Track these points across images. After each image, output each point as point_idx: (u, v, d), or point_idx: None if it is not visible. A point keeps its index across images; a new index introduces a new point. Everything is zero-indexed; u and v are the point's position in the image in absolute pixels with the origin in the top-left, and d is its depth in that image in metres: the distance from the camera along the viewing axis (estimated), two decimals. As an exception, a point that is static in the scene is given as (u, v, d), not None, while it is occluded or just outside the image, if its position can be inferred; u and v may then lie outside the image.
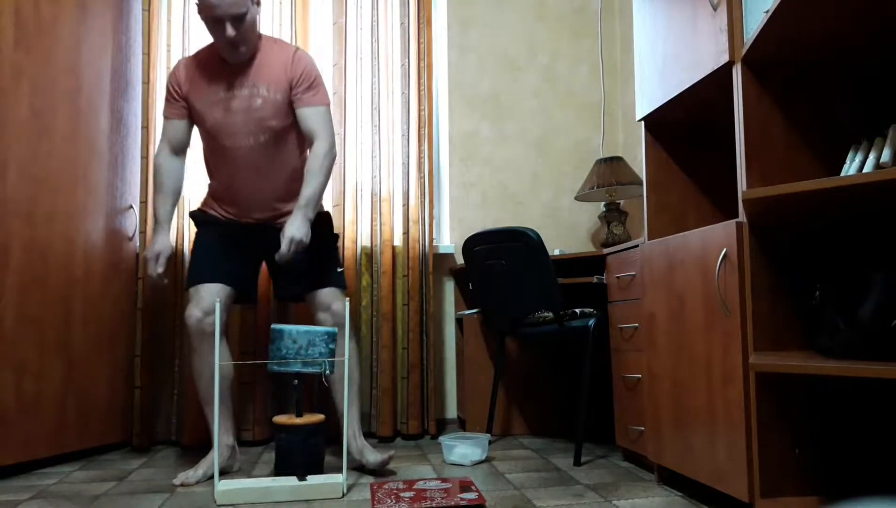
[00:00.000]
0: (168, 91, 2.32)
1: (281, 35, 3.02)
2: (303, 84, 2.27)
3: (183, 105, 2.31)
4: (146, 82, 2.92)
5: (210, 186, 2.42)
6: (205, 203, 2.44)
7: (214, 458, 2.06)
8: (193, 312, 2.22)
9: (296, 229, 2.15)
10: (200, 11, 2.14)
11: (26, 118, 2.45)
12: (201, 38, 3.08)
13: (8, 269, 2.36)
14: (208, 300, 2.24)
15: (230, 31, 2.13)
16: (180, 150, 2.35)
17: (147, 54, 2.92)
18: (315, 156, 2.25)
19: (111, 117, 2.81)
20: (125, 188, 2.88)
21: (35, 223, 2.46)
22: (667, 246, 1.98)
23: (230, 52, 2.20)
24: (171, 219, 2.32)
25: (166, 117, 2.33)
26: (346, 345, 2.17)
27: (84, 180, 2.67)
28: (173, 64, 2.95)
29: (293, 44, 2.85)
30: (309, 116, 2.27)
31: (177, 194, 2.34)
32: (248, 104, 2.25)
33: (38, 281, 2.46)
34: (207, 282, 2.27)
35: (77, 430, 2.60)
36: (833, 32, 1.57)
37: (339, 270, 2.42)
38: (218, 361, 2.12)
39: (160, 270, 2.22)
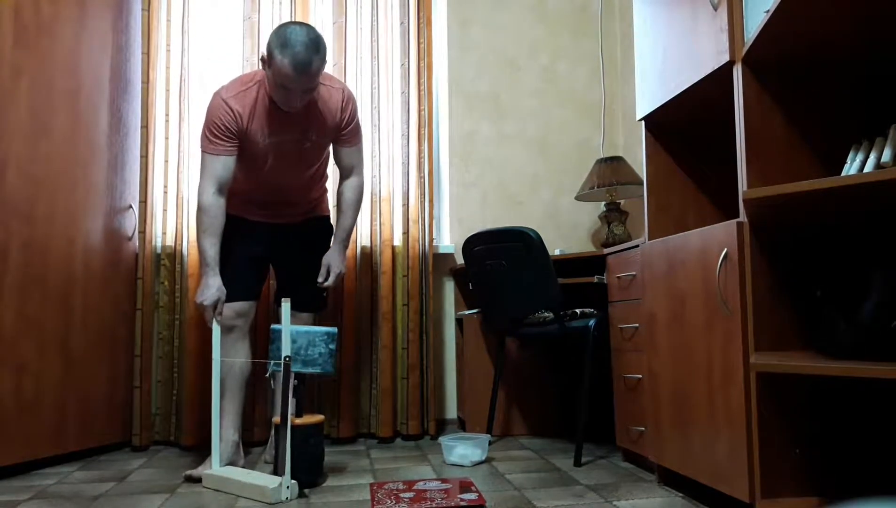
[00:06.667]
0: (223, 128, 2.23)
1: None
2: (348, 127, 2.40)
3: (237, 143, 2.27)
4: (146, 82, 2.91)
5: (242, 198, 2.46)
6: (236, 207, 2.45)
7: (214, 447, 2.08)
8: (226, 312, 2.35)
9: (340, 262, 2.49)
10: (274, 75, 2.13)
11: (25, 118, 2.44)
12: (201, 38, 3.08)
13: (7, 269, 2.36)
14: (238, 306, 2.38)
15: (297, 102, 2.19)
16: (226, 188, 2.29)
17: (146, 54, 2.92)
18: (351, 189, 2.49)
19: (110, 117, 2.81)
20: (124, 188, 2.88)
21: (34, 223, 2.46)
22: (667, 246, 1.98)
23: (287, 107, 2.22)
24: (219, 260, 2.30)
25: (214, 154, 2.25)
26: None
27: (83, 180, 2.67)
28: (174, 63, 2.96)
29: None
30: (350, 154, 2.47)
31: (221, 234, 2.31)
32: (298, 148, 2.35)
33: (38, 281, 2.46)
34: (243, 300, 2.40)
35: (77, 430, 2.59)
36: (833, 32, 1.56)
37: (325, 294, 2.59)
38: (218, 358, 2.23)
39: (219, 318, 2.27)
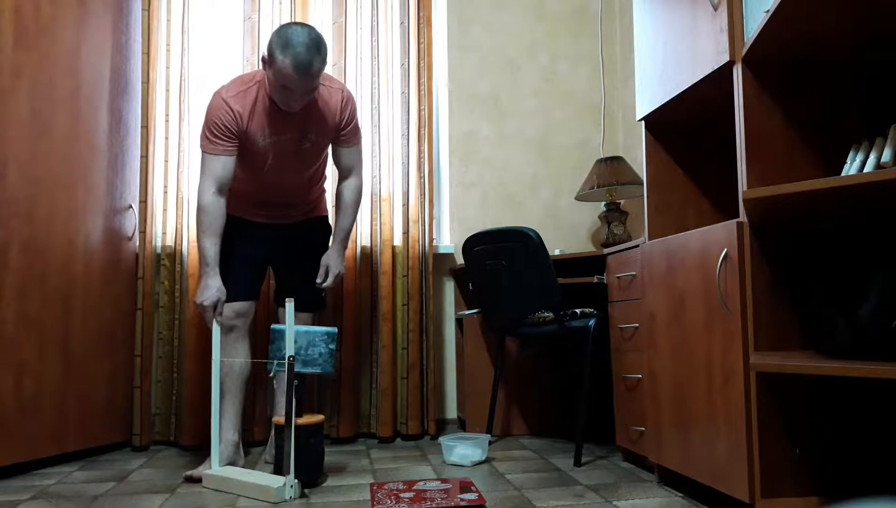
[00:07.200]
0: (222, 127, 2.24)
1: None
2: (347, 128, 2.41)
3: (236, 143, 2.28)
4: (146, 82, 2.92)
5: (241, 198, 2.46)
6: (236, 208, 2.46)
7: (213, 447, 2.08)
8: (226, 312, 2.36)
9: (339, 263, 2.49)
10: (275, 75, 2.14)
11: (26, 118, 2.44)
12: (201, 38, 3.08)
13: (8, 269, 2.36)
14: (237, 307, 2.39)
15: (297, 103, 2.20)
16: (225, 188, 2.30)
17: (147, 54, 2.92)
18: (350, 190, 2.50)
19: (111, 117, 2.81)
20: (125, 188, 2.88)
21: (35, 223, 2.46)
22: (667, 246, 1.98)
23: (287, 108, 2.23)
24: (219, 260, 2.30)
25: (214, 154, 2.26)
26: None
27: (84, 180, 2.67)
28: (174, 63, 2.96)
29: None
30: (349, 154, 2.48)
31: (221, 234, 2.32)
32: (297, 148, 2.36)
33: (38, 281, 2.46)
34: (243, 300, 2.41)
35: (77, 430, 2.60)
36: (833, 32, 1.57)
37: (323, 294, 2.60)
38: (217, 358, 2.24)
39: (219, 318, 2.28)
